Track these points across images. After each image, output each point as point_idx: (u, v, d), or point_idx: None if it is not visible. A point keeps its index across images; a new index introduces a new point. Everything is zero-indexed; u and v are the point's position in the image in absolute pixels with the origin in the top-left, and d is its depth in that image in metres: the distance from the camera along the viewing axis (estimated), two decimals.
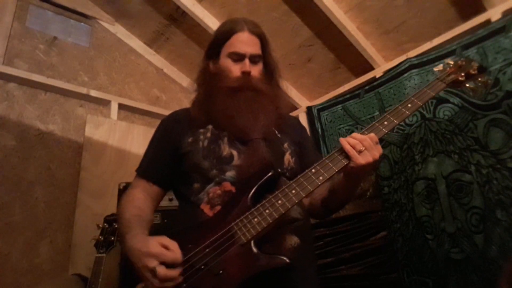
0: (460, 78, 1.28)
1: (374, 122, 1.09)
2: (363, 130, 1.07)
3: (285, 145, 1.23)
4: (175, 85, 3.27)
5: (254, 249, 0.95)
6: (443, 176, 1.96)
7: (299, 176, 1.01)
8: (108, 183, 2.39)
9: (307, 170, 1.02)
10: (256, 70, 1.26)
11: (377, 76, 2.50)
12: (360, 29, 2.42)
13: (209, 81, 1.29)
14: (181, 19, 2.74)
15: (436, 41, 2.23)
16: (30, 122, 2.32)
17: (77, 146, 2.45)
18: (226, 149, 1.16)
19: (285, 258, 0.92)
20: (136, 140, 2.68)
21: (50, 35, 2.59)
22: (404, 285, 2.04)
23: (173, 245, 0.95)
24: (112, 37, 2.95)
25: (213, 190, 1.10)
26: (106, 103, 2.71)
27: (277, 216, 0.97)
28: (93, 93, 2.61)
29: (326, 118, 2.77)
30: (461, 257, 1.82)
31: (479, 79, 1.30)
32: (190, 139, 1.20)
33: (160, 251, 0.92)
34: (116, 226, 1.90)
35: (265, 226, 0.96)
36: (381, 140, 1.06)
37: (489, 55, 1.90)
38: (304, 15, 2.45)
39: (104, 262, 1.85)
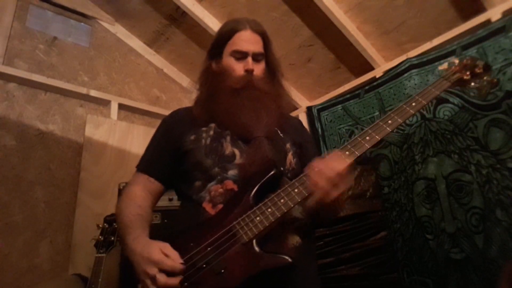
0: (465, 77, 1.27)
1: (378, 121, 1.09)
2: (366, 128, 1.07)
3: (288, 145, 1.23)
4: (175, 85, 3.27)
5: (256, 248, 0.94)
6: (443, 176, 1.96)
7: (301, 175, 1.01)
8: (108, 183, 2.39)
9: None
10: (259, 69, 1.26)
11: (377, 76, 2.51)
12: (360, 29, 2.42)
13: (212, 80, 1.29)
14: (181, 19, 2.74)
15: (436, 41, 2.23)
16: (30, 122, 2.32)
17: (77, 146, 2.45)
18: (228, 148, 1.16)
19: (287, 258, 0.92)
20: (136, 140, 2.67)
21: (50, 35, 2.58)
22: (404, 285, 2.04)
23: (174, 254, 0.94)
24: (112, 37, 2.95)
25: (214, 188, 1.10)
26: (106, 103, 2.70)
27: (279, 215, 0.96)
28: (93, 93, 2.60)
29: (326, 118, 2.78)
30: (461, 257, 1.83)
31: (485, 78, 1.29)
32: (192, 137, 1.20)
33: (161, 258, 0.92)
34: (115, 225, 1.90)
35: (267, 225, 0.96)
36: (381, 140, 1.05)
37: (489, 55, 1.90)
38: (304, 15, 2.45)
39: (104, 262, 1.85)
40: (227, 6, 2.50)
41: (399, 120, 1.09)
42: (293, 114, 2.98)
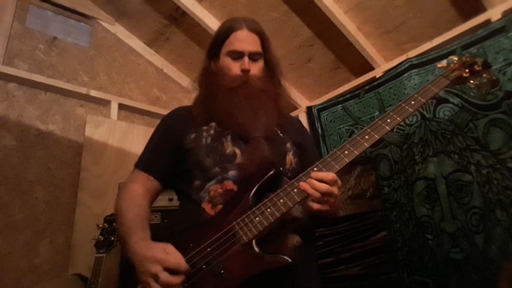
0: (464, 75, 1.26)
1: (377, 120, 1.09)
2: (365, 128, 1.07)
3: (287, 145, 1.23)
4: (175, 85, 3.27)
5: (256, 249, 0.94)
6: (443, 176, 1.96)
7: (301, 175, 1.01)
8: (108, 183, 2.39)
9: (309, 169, 1.01)
10: (256, 68, 1.26)
11: (377, 76, 2.51)
12: (360, 29, 2.42)
13: (210, 80, 1.29)
14: (181, 19, 2.74)
15: (436, 41, 2.23)
16: (30, 122, 2.32)
17: (77, 146, 2.45)
18: (229, 147, 1.15)
19: (287, 258, 0.92)
20: (136, 140, 2.67)
21: (50, 35, 2.58)
22: (404, 285, 2.04)
23: (177, 254, 0.94)
24: (112, 37, 2.95)
25: (214, 188, 1.10)
26: (106, 103, 2.70)
27: (278, 215, 0.96)
28: (93, 93, 2.60)
29: (326, 118, 2.78)
30: (461, 257, 1.83)
31: (484, 75, 1.28)
32: (192, 136, 1.19)
33: (164, 256, 0.92)
34: (115, 225, 1.90)
35: (266, 225, 0.95)
36: (381, 140, 1.05)
37: (489, 55, 1.90)
38: (304, 15, 2.45)
39: (104, 262, 1.84)
40: (227, 6, 2.50)
41: (398, 119, 1.09)
42: (293, 114, 2.98)
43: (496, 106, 1.82)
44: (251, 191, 1.02)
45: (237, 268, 0.92)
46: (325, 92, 2.96)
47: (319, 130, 2.80)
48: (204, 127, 1.21)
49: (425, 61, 2.18)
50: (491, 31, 1.91)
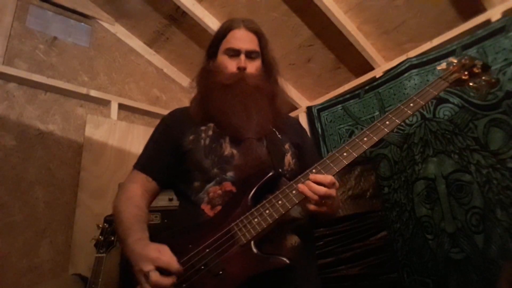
0: (463, 77, 1.27)
1: (376, 122, 1.09)
2: (364, 129, 1.07)
3: (286, 146, 1.23)
4: (175, 85, 3.27)
5: (254, 250, 0.95)
6: (443, 176, 1.96)
7: (299, 176, 1.01)
8: (108, 183, 2.39)
9: (307, 170, 1.01)
10: (252, 67, 1.27)
11: (377, 76, 2.50)
12: (360, 29, 2.42)
13: (207, 78, 1.30)
14: (181, 19, 2.74)
15: (436, 41, 2.23)
16: (30, 122, 2.32)
17: (77, 146, 2.45)
18: (227, 148, 1.15)
19: (285, 259, 0.92)
20: (136, 140, 2.68)
21: (50, 35, 2.59)
22: (404, 285, 2.04)
23: (169, 254, 0.94)
24: (112, 37, 2.95)
25: (213, 189, 1.10)
26: (106, 103, 2.70)
27: (277, 217, 0.97)
28: (93, 93, 2.60)
29: (326, 118, 2.78)
30: (461, 257, 1.82)
31: (483, 77, 1.28)
32: (191, 137, 1.20)
33: (157, 256, 0.92)
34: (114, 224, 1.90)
35: (265, 226, 0.96)
36: (381, 140, 1.05)
37: (489, 55, 1.90)
38: (304, 15, 2.45)
39: (104, 262, 1.85)
40: (227, 6, 2.50)
41: (397, 121, 1.09)
42: (293, 114, 2.98)
43: (496, 106, 1.81)
44: (250, 193, 1.02)
45: (236, 269, 0.93)
46: (325, 92, 2.96)
47: (319, 130, 2.79)
48: (203, 128, 1.21)
49: (425, 61, 2.18)
50: (491, 31, 1.91)
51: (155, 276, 0.89)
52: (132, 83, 2.97)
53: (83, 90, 2.56)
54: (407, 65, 2.25)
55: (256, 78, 1.25)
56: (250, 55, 1.27)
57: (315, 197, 0.95)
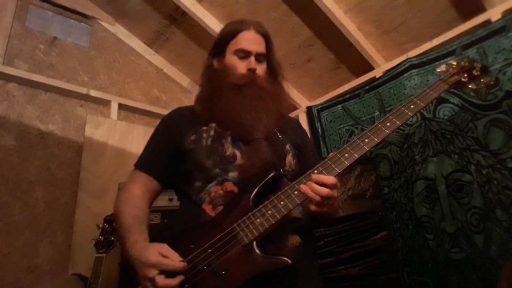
0: (463, 79, 1.27)
1: (376, 123, 1.10)
2: (366, 131, 1.07)
3: (287, 146, 1.23)
4: (175, 85, 3.26)
5: (257, 250, 0.95)
6: (443, 176, 1.96)
7: (301, 177, 1.01)
8: (108, 183, 2.39)
9: (309, 171, 1.01)
10: (261, 69, 1.27)
11: (377, 76, 2.51)
12: (360, 29, 2.42)
13: (214, 78, 1.30)
14: (181, 19, 2.74)
15: (436, 41, 2.23)
16: (30, 122, 2.32)
17: (77, 146, 2.45)
18: (229, 149, 1.15)
19: (287, 259, 0.92)
20: (136, 140, 2.68)
21: (50, 35, 2.58)
22: (404, 285, 2.05)
23: (173, 254, 0.94)
24: (112, 37, 2.95)
25: (214, 189, 1.10)
26: (106, 103, 2.71)
27: (279, 217, 0.97)
28: (93, 93, 2.61)
29: (326, 118, 2.78)
30: (461, 257, 1.83)
31: (482, 80, 1.29)
32: (193, 137, 1.19)
33: (159, 260, 0.92)
34: (115, 225, 1.90)
35: (267, 227, 0.96)
36: (381, 141, 1.06)
37: (489, 55, 1.90)
38: (304, 15, 2.45)
39: (104, 262, 1.85)
40: (227, 6, 2.50)
41: (397, 122, 1.10)
42: (293, 114, 2.98)
43: (496, 106, 1.82)
44: (251, 193, 1.02)
45: (238, 269, 0.93)
46: (325, 92, 2.96)
47: (319, 130, 2.80)
48: (204, 128, 1.21)
49: (425, 61, 2.18)
50: (491, 31, 1.92)
51: (161, 281, 0.89)
52: (132, 83, 2.97)
53: (83, 90, 2.56)
54: (407, 65, 2.25)
55: (264, 81, 1.26)
56: (259, 57, 1.27)
57: (317, 197, 0.95)
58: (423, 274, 1.97)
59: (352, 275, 2.16)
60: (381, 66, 2.54)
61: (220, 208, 1.07)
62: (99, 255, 1.87)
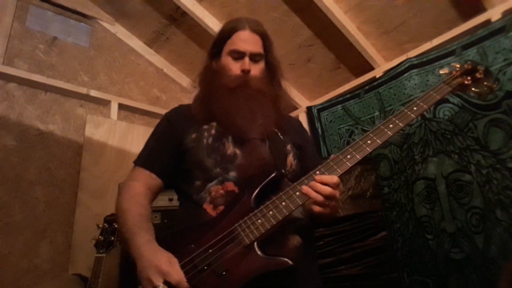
0: (466, 82, 1.27)
1: (379, 124, 1.10)
2: (368, 132, 1.07)
3: (288, 146, 1.22)
4: (175, 85, 3.26)
5: (258, 251, 0.95)
6: (443, 176, 1.96)
7: (303, 178, 1.01)
8: (108, 183, 2.39)
9: (311, 172, 1.01)
10: (256, 69, 1.26)
11: (377, 76, 2.51)
12: (360, 29, 2.42)
13: (210, 79, 1.29)
14: (181, 19, 2.74)
15: (436, 41, 2.23)
16: (30, 122, 2.31)
17: (77, 146, 2.45)
18: (230, 148, 1.15)
19: (288, 260, 0.92)
20: (136, 140, 2.67)
21: (50, 35, 2.58)
22: (404, 285, 2.05)
23: (179, 271, 0.92)
24: (112, 37, 2.95)
25: (215, 189, 1.10)
26: (106, 103, 2.70)
27: (280, 218, 0.97)
28: (93, 93, 2.60)
29: (326, 118, 2.78)
30: (461, 257, 1.83)
31: (485, 83, 1.29)
32: (193, 135, 1.19)
33: (168, 269, 0.91)
34: (115, 225, 1.90)
35: (268, 227, 0.96)
36: (383, 142, 1.06)
37: (489, 55, 1.90)
38: (304, 15, 2.45)
39: (104, 262, 1.85)
40: (227, 6, 2.50)
41: (400, 124, 1.10)
42: (293, 114, 2.98)
43: (496, 106, 1.82)
44: (252, 193, 1.02)
45: (239, 269, 0.93)
46: (325, 92, 2.96)
47: (319, 130, 2.80)
48: (205, 126, 1.21)
49: (425, 61, 2.18)
50: (491, 31, 1.92)
51: None
52: (132, 83, 2.97)
53: (83, 90, 2.56)
54: (407, 65, 2.25)
55: (259, 81, 1.24)
56: (254, 57, 1.26)
57: (320, 198, 0.95)
58: (423, 274, 1.98)
59: (352, 275, 2.16)
60: (381, 66, 2.54)
61: (221, 208, 1.06)
62: (99, 255, 1.87)
